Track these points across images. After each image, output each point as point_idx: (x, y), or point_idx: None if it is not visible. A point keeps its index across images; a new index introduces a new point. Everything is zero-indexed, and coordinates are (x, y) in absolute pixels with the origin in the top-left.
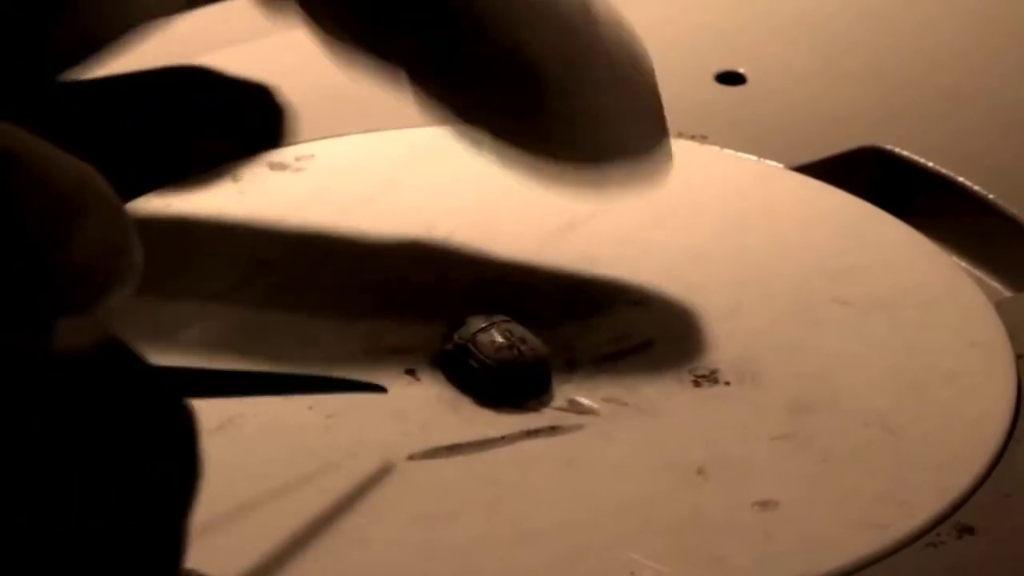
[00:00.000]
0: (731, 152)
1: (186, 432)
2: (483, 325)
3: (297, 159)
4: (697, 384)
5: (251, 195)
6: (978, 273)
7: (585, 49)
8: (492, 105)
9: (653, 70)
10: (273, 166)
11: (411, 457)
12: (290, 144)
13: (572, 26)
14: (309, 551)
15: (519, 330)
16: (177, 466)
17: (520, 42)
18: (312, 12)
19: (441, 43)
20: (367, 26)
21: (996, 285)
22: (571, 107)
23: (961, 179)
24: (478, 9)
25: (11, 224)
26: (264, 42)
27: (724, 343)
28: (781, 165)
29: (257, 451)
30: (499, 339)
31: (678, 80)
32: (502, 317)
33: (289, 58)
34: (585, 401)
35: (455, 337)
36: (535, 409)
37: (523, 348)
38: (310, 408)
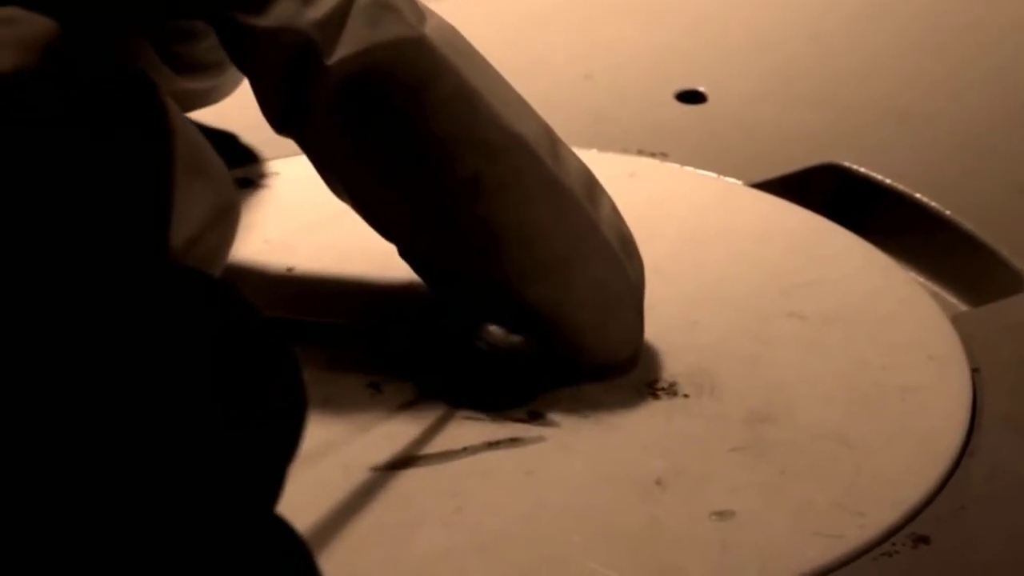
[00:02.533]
0: (691, 169)
1: (294, 376)
2: (474, 323)
3: (263, 176)
4: (656, 396)
5: None
6: (935, 288)
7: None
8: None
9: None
10: (240, 183)
11: (373, 468)
12: (257, 161)
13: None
14: None
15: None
16: (287, 407)
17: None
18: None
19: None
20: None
21: (952, 300)
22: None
23: (918, 195)
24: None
25: None
26: None
27: (682, 356)
28: (740, 182)
29: None
30: (501, 331)
31: (639, 98)
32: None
33: None
34: (545, 413)
35: (445, 330)
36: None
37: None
38: None
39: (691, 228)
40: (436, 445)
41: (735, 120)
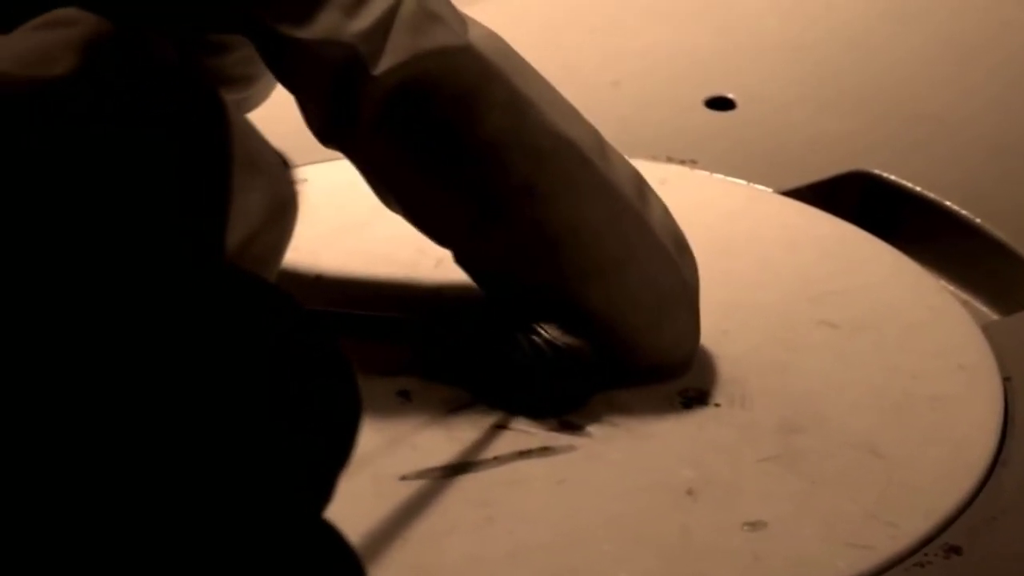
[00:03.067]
0: (720, 176)
1: (349, 383)
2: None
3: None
4: (687, 406)
5: None
6: (965, 296)
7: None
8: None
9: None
10: None
11: (403, 478)
12: (284, 168)
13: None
14: None
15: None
16: (340, 413)
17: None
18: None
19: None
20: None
21: (983, 308)
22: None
23: (948, 203)
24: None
25: None
26: None
27: (713, 365)
28: (770, 189)
29: None
30: (559, 330)
31: (668, 105)
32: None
33: None
34: (576, 422)
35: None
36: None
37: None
38: None
39: (721, 236)
40: (466, 454)
41: (764, 127)
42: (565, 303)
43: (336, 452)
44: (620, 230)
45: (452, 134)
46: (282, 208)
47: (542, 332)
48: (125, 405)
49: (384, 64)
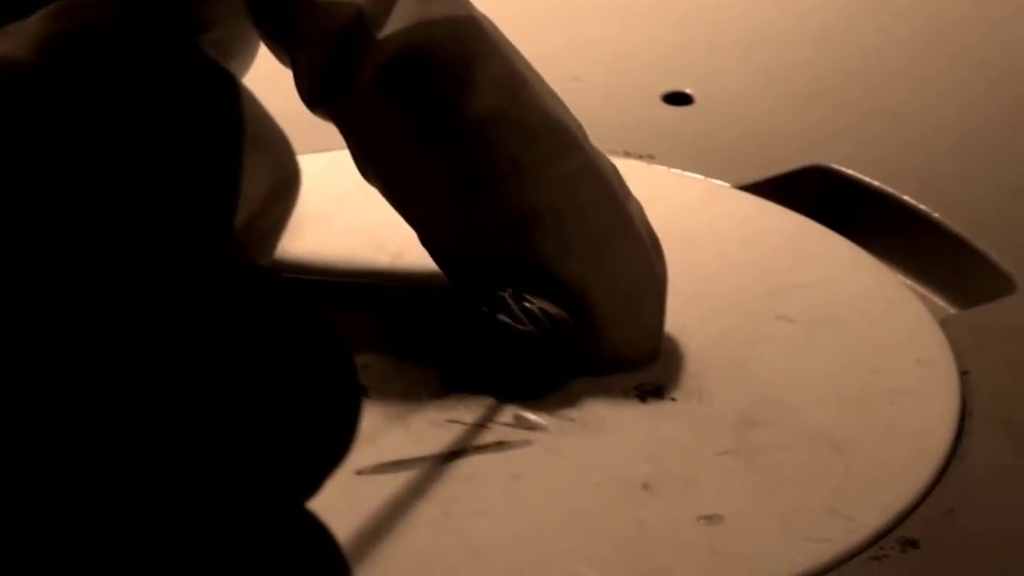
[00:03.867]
0: (678, 171)
1: (347, 368)
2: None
3: None
4: (643, 400)
5: None
6: (923, 290)
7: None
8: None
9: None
10: None
11: (359, 472)
12: None
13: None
14: None
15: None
16: (339, 404)
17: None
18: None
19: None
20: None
21: (941, 303)
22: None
23: (906, 197)
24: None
25: None
26: None
27: (670, 359)
28: (728, 184)
29: None
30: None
31: (626, 100)
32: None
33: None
34: (532, 416)
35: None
36: (484, 424)
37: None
38: None
39: (678, 231)
40: (423, 449)
41: (722, 122)
42: (537, 286)
43: (332, 447)
44: (602, 217)
45: (446, 105)
46: (285, 186)
47: (530, 301)
48: (121, 390)
49: (389, 28)
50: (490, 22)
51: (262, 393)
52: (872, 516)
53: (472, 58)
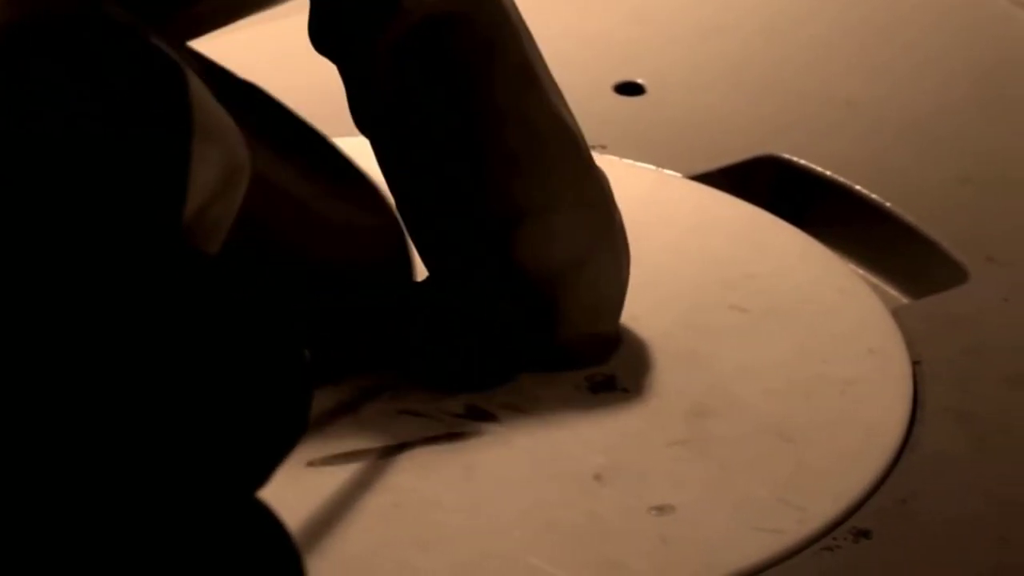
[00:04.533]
0: (630, 162)
1: (297, 359)
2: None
3: None
4: (594, 391)
5: None
6: (875, 280)
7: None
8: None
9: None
10: None
11: (310, 463)
12: None
13: None
14: None
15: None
16: (288, 397)
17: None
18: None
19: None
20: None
21: (893, 292)
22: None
23: (858, 187)
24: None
25: None
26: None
27: (621, 350)
28: (679, 174)
29: None
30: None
31: (577, 90)
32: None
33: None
34: (484, 407)
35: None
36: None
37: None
38: None
39: (630, 221)
40: (374, 440)
41: (674, 112)
42: (504, 285)
43: (281, 436)
44: (592, 227)
45: (458, 80)
46: (234, 176)
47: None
48: (70, 381)
49: None
50: (515, 8)
51: (209, 382)
52: (824, 506)
53: (493, 43)
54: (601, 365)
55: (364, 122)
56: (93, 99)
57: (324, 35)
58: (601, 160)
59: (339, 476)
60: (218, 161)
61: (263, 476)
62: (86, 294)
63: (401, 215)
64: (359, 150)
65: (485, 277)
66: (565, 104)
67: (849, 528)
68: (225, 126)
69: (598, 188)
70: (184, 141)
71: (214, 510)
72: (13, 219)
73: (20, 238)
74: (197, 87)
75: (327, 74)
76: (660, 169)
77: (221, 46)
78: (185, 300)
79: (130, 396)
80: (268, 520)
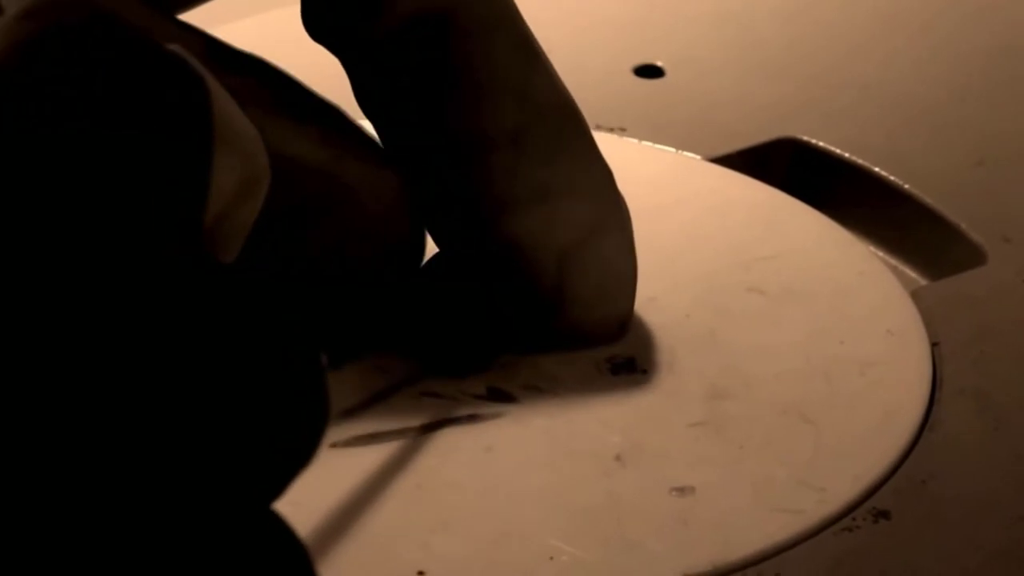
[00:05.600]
0: (649, 144)
1: (316, 381)
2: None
3: None
4: (614, 372)
5: None
6: (894, 262)
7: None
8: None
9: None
10: None
11: (333, 445)
12: None
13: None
14: None
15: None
16: (305, 412)
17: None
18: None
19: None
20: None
21: (912, 274)
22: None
23: (876, 169)
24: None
25: None
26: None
27: (640, 331)
28: (699, 157)
29: None
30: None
31: (597, 73)
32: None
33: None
34: (503, 389)
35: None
36: (455, 396)
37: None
38: None
39: (649, 203)
40: (395, 422)
41: (693, 94)
42: (503, 270)
43: (296, 452)
44: (597, 205)
45: (461, 66)
46: (254, 183)
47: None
48: (79, 386)
49: None
50: None
51: (225, 395)
52: (843, 487)
53: (491, 24)
54: (621, 340)
55: (367, 108)
56: (112, 110)
57: (316, 25)
58: (620, 142)
59: (362, 457)
60: (237, 169)
61: (274, 493)
62: (104, 303)
63: (410, 199)
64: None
65: (488, 258)
66: (562, 83)
67: (869, 508)
68: (246, 134)
69: (601, 165)
70: (205, 150)
71: (229, 521)
72: (33, 229)
73: (40, 249)
74: (219, 95)
75: (330, 60)
76: (679, 151)
77: (223, 34)
78: (201, 310)
79: (145, 406)
80: (282, 532)
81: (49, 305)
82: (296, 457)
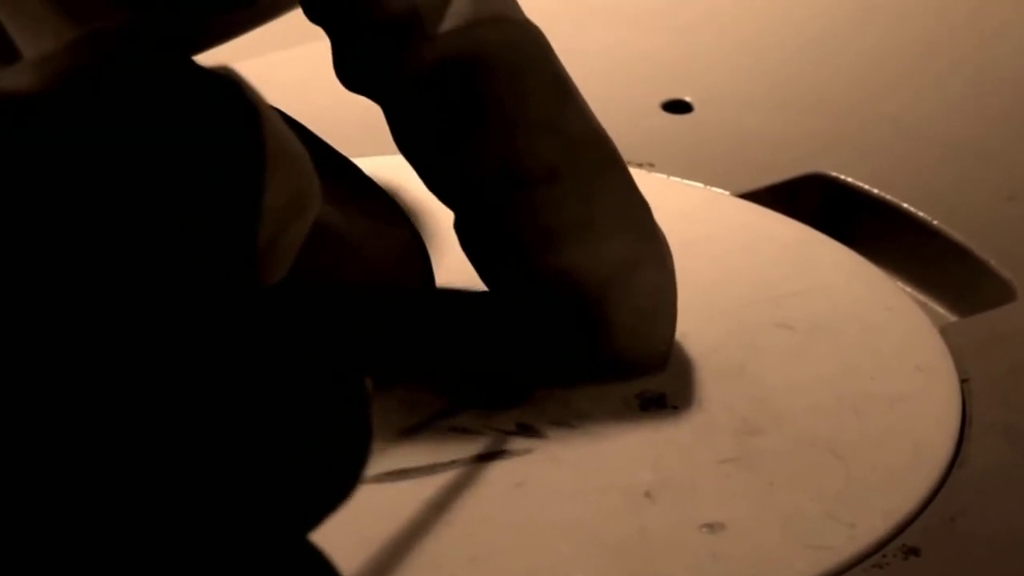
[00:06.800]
0: (677, 180)
1: (362, 409)
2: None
3: None
4: (644, 408)
5: None
6: (923, 298)
7: None
8: None
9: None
10: None
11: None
12: None
13: None
14: None
15: None
16: (348, 450)
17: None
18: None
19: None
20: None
21: (941, 310)
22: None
23: (905, 205)
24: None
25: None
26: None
27: (670, 367)
28: (727, 192)
29: None
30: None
31: (625, 108)
32: None
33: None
34: (533, 424)
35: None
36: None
37: None
38: None
39: (678, 239)
40: (424, 458)
41: (721, 130)
42: (548, 299)
43: (336, 485)
44: (635, 234)
45: (492, 107)
46: (305, 200)
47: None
48: (123, 406)
49: (444, 26)
50: (538, 28)
51: (268, 424)
52: (874, 523)
53: (522, 63)
54: (651, 376)
55: (404, 149)
56: (165, 136)
57: (346, 76)
58: (649, 178)
59: (390, 493)
60: (288, 188)
61: (312, 524)
62: (157, 328)
63: (457, 234)
64: (384, 168)
65: (534, 292)
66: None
67: (899, 545)
68: (296, 152)
69: (640, 198)
70: (259, 169)
71: (267, 550)
72: (89, 252)
73: (97, 274)
74: (270, 115)
75: (349, 95)
76: (708, 187)
77: (255, 68)
78: (252, 333)
79: (188, 429)
80: (319, 564)
81: (103, 331)
82: (339, 485)
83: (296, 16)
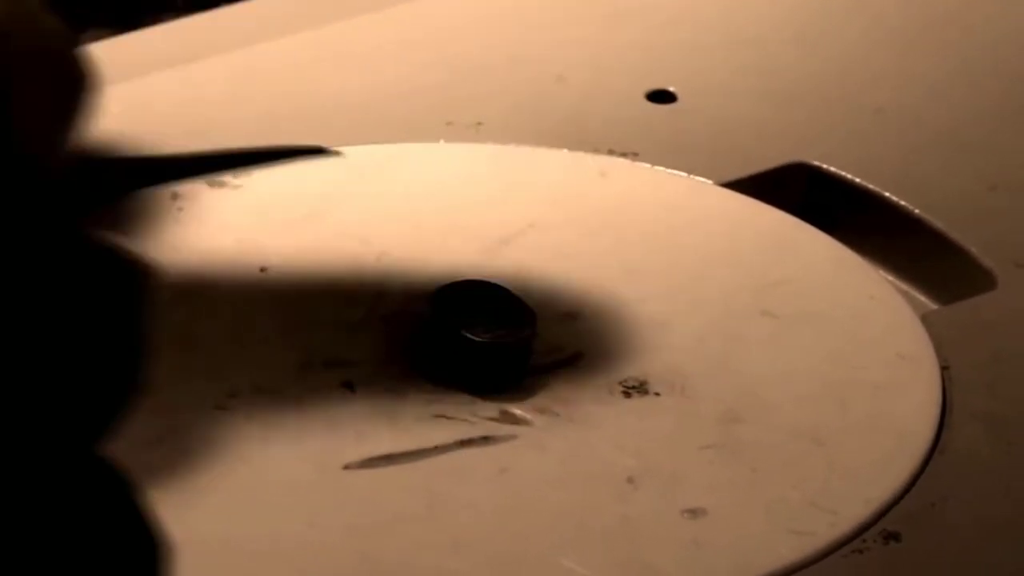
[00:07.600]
0: (662, 169)
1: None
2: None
3: (236, 176)
4: (627, 395)
5: (190, 212)
6: (905, 286)
7: None
8: None
9: None
10: (212, 184)
11: (347, 467)
12: None
13: None
14: None
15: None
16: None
17: None
18: None
19: None
20: None
21: (922, 298)
22: None
23: (888, 194)
24: None
25: None
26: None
27: (654, 355)
28: (711, 181)
29: None
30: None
31: (610, 98)
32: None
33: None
34: (517, 411)
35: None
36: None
37: None
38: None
39: (662, 228)
40: (409, 444)
41: (705, 119)
42: None
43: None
44: None
45: None
46: (72, 90)
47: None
48: None
49: None
50: None
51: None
52: (855, 509)
53: None
54: (634, 363)
55: None
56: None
57: None
58: (633, 167)
59: (375, 479)
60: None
61: (102, 428)
62: None
63: None
64: (367, 158)
65: None
66: None
67: (879, 531)
68: (53, 44)
69: None
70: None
71: (54, 461)
72: None
73: None
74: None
75: (340, 85)
76: (692, 176)
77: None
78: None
79: None
80: (111, 473)
81: None
82: (118, 392)
83: (288, 5)
